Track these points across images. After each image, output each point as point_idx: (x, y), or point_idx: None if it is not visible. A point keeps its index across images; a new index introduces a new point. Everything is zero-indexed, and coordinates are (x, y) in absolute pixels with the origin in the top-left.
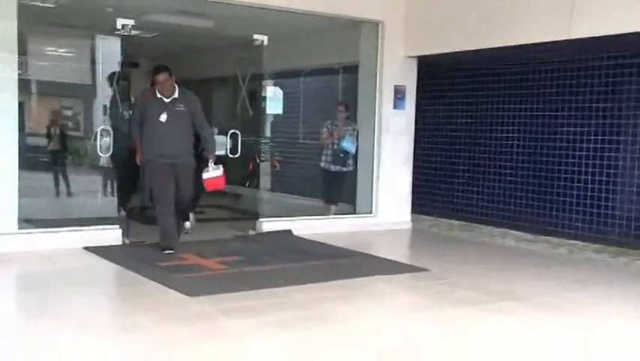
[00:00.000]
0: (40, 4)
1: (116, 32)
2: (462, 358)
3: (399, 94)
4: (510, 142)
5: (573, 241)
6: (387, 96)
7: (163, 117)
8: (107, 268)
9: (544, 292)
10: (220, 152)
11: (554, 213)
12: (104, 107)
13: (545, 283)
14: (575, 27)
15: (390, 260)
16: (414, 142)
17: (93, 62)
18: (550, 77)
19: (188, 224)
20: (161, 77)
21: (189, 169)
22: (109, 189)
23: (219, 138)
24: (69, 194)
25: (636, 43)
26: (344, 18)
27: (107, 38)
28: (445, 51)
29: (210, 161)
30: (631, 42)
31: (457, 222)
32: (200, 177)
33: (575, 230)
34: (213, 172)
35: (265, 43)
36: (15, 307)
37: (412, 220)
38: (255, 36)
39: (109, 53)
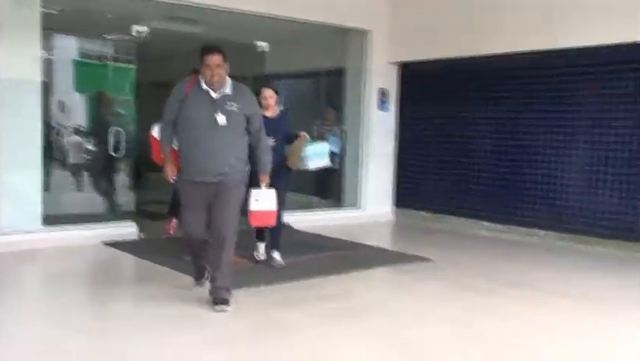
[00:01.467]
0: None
1: (131, 38)
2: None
3: (383, 97)
4: (480, 140)
5: (537, 230)
6: (372, 99)
7: (220, 119)
8: (136, 262)
9: (555, 280)
10: (323, 163)
11: (519, 205)
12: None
13: (548, 271)
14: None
15: (395, 251)
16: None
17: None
18: (509, 82)
19: (277, 255)
20: (213, 59)
21: (233, 190)
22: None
23: (323, 147)
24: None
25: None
26: (335, 26)
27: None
28: (426, 58)
29: (263, 185)
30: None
31: (427, 214)
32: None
33: (537, 219)
34: (263, 203)
35: (266, 50)
36: (71, 305)
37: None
38: (258, 43)
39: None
